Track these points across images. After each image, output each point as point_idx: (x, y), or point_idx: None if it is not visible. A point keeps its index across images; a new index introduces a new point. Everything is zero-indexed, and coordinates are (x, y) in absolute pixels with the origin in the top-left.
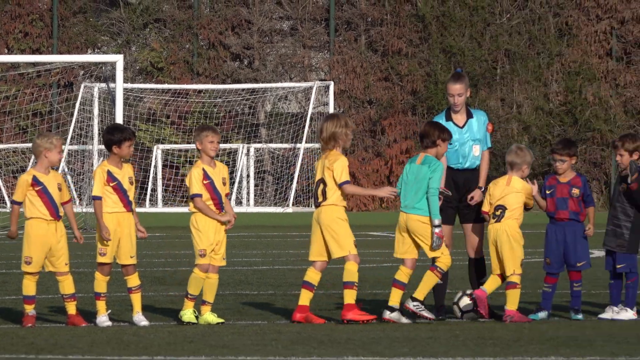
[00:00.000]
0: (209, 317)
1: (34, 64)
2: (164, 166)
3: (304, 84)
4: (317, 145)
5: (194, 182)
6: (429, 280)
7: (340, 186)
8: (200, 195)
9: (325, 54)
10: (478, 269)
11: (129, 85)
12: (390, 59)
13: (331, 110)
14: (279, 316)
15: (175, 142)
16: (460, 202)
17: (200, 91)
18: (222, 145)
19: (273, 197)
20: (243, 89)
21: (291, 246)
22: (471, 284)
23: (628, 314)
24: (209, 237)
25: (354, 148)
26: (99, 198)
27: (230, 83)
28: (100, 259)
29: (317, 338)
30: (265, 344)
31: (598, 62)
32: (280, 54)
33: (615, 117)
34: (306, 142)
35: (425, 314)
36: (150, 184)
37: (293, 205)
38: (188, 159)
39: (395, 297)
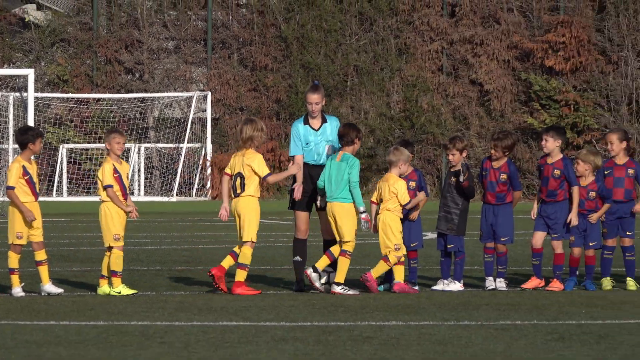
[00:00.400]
0: (123, 289)
1: None
2: (69, 162)
3: (185, 94)
4: (197, 145)
5: (107, 175)
6: (343, 264)
7: (264, 178)
8: (112, 186)
9: (203, 69)
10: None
11: (39, 95)
12: (258, 73)
13: (209, 116)
14: (165, 288)
15: (78, 142)
16: (315, 192)
17: (99, 99)
18: None
19: (160, 188)
20: (135, 98)
21: (175, 229)
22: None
23: (456, 286)
24: (121, 222)
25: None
26: (13, 188)
27: (124, 93)
28: (17, 242)
29: (198, 306)
30: (153, 311)
31: (431, 77)
32: (166, 69)
33: (445, 122)
34: (188, 143)
35: (351, 292)
36: (57, 177)
37: (177, 195)
38: (89, 157)
39: (322, 263)
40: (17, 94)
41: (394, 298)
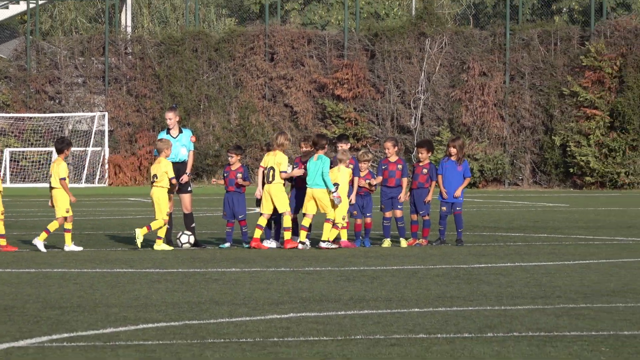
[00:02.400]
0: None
1: None
2: (11, 160)
3: (90, 114)
4: (98, 149)
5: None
6: (327, 228)
7: (281, 172)
8: (65, 179)
9: (102, 97)
10: (188, 219)
11: None
12: (140, 99)
13: (106, 129)
14: (96, 246)
15: (17, 147)
16: (177, 181)
17: (31, 117)
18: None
19: (73, 178)
20: (55, 116)
21: (87, 205)
22: (186, 228)
23: (273, 244)
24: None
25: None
26: (65, 179)
27: (48, 113)
28: (66, 214)
29: (100, 258)
30: (80, 262)
31: (258, 102)
32: (77, 96)
33: (267, 133)
34: (92, 147)
35: (333, 246)
36: (1, 170)
37: (84, 182)
38: (24, 157)
39: (303, 235)
40: None
41: (232, 252)
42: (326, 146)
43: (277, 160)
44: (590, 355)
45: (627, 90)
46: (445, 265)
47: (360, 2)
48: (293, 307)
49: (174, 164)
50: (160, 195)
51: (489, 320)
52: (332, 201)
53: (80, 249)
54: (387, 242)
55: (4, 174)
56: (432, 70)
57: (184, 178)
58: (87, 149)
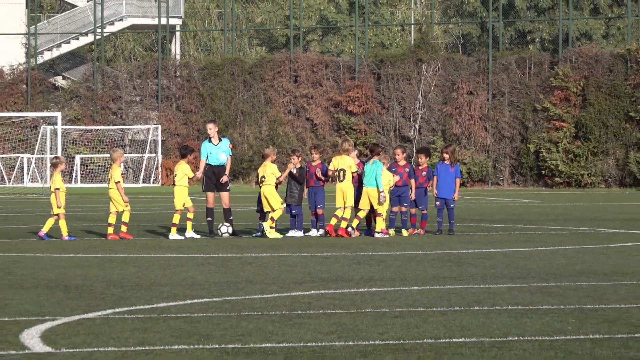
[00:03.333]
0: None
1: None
2: (81, 164)
3: (146, 126)
4: (153, 155)
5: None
6: (379, 221)
7: (353, 172)
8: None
9: (156, 112)
10: (227, 213)
11: (64, 127)
12: (187, 114)
13: (159, 138)
14: (156, 234)
15: (86, 154)
16: (217, 181)
17: (97, 129)
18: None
19: (132, 179)
20: (118, 129)
21: (144, 202)
22: (225, 220)
23: (298, 233)
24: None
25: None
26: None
27: (111, 126)
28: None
29: (162, 246)
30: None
31: (284, 116)
32: (135, 112)
33: (292, 141)
34: (147, 153)
35: (385, 235)
36: (74, 173)
37: (142, 182)
38: (92, 161)
39: (355, 222)
40: (52, 126)
41: (263, 240)
42: (381, 152)
43: (347, 163)
44: (559, 326)
45: (589, 106)
46: (439, 251)
47: (368, 34)
48: (313, 285)
49: (216, 166)
50: (270, 191)
51: (475, 297)
52: (378, 199)
53: (183, 237)
54: (391, 232)
55: (76, 176)
56: (428, 90)
57: (224, 179)
58: (144, 155)
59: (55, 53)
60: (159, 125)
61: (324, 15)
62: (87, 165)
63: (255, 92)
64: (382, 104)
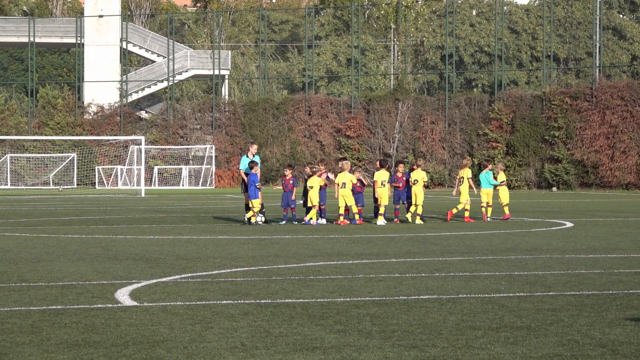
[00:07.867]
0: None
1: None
2: (159, 174)
3: (204, 146)
4: (209, 166)
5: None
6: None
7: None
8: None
9: (211, 136)
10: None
11: (147, 147)
12: (232, 137)
13: (213, 155)
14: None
15: (161, 165)
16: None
17: (168, 149)
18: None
19: (195, 184)
20: (183, 147)
21: (202, 201)
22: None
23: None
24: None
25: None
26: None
27: (179, 146)
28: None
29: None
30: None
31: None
32: (195, 136)
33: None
34: (205, 165)
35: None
36: (154, 180)
37: (201, 186)
38: (166, 171)
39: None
40: (137, 146)
41: (286, 227)
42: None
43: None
44: (495, 286)
45: (516, 132)
46: (410, 234)
47: (360, 81)
48: (322, 258)
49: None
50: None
51: (435, 266)
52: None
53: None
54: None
55: (154, 181)
56: (403, 120)
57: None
58: (202, 166)
59: (140, 94)
60: (213, 145)
61: (329, 68)
62: (162, 174)
63: (281, 122)
64: (370, 130)
